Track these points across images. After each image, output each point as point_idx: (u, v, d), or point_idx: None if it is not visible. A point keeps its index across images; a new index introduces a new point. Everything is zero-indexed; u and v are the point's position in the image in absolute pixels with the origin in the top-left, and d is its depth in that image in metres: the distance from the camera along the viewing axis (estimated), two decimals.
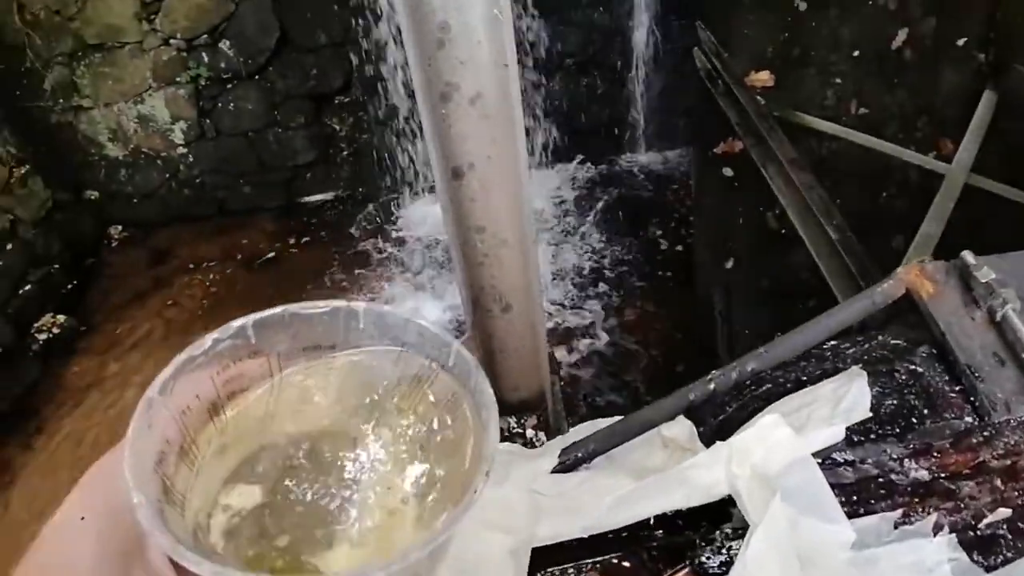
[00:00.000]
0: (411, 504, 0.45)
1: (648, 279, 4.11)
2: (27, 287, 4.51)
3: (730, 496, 0.68)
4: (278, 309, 0.42)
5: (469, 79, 1.44)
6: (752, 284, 2.82)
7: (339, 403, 0.47)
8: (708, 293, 3.12)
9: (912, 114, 2.61)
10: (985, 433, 0.72)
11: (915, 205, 2.10)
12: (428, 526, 0.42)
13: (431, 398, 0.46)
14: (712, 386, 0.78)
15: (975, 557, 0.65)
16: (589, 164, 5.06)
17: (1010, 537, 0.66)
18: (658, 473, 0.70)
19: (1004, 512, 0.67)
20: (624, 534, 0.69)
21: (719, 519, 0.69)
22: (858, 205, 2.46)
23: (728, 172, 2.79)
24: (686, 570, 0.64)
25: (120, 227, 5.28)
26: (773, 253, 2.66)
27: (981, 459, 0.70)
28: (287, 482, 0.44)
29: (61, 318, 4.56)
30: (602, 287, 4.13)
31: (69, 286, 4.78)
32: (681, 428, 0.77)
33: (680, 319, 3.66)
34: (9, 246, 4.40)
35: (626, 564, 0.66)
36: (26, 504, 3.26)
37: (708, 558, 0.64)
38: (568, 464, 0.77)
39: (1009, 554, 0.65)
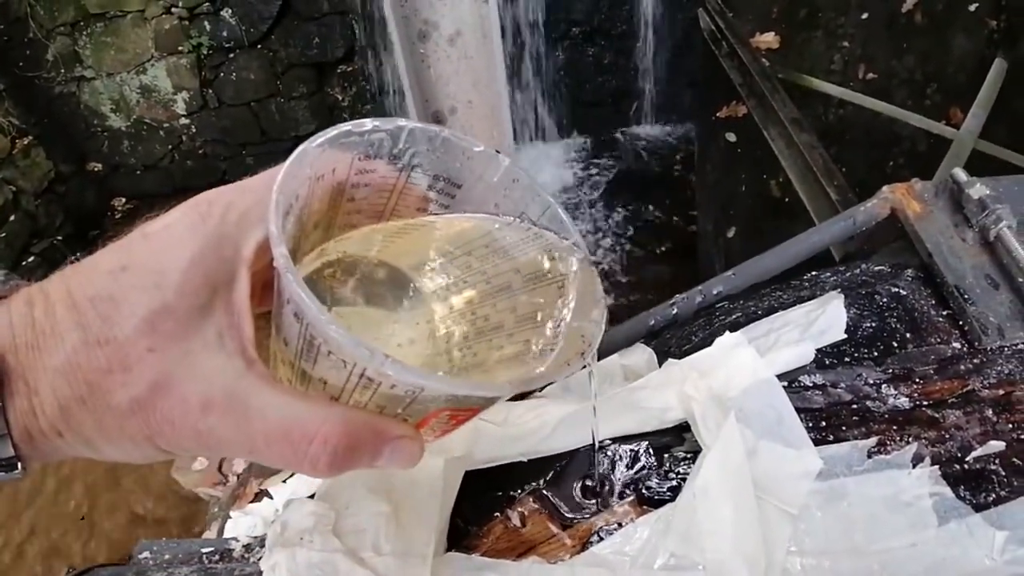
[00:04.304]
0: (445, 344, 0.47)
1: (650, 252, 4.05)
2: (30, 259, 4.51)
3: (686, 422, 0.62)
4: (436, 127, 0.42)
5: (448, 16, 1.36)
6: (753, 254, 2.73)
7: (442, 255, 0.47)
8: (709, 263, 3.05)
9: (921, 81, 2.52)
10: (975, 360, 0.64)
11: (922, 174, 2.03)
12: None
13: (531, 269, 0.46)
14: (675, 310, 0.72)
15: (961, 493, 0.57)
16: (594, 137, 4.97)
17: (1003, 473, 0.58)
18: (603, 396, 0.63)
19: (997, 445, 0.60)
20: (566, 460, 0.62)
21: (675, 446, 0.62)
22: (864, 173, 2.38)
23: (731, 137, 2.70)
24: (631, 498, 0.58)
25: (124, 199, 5.27)
26: (775, 222, 2.58)
27: (970, 387, 0.63)
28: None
29: None
30: (603, 261, 4.08)
31: (73, 258, 4.77)
32: (640, 355, 0.70)
33: (681, 289, 3.62)
34: (12, 217, 4.39)
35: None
36: None
37: (656, 484, 0.58)
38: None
39: (1003, 492, 0.57)
